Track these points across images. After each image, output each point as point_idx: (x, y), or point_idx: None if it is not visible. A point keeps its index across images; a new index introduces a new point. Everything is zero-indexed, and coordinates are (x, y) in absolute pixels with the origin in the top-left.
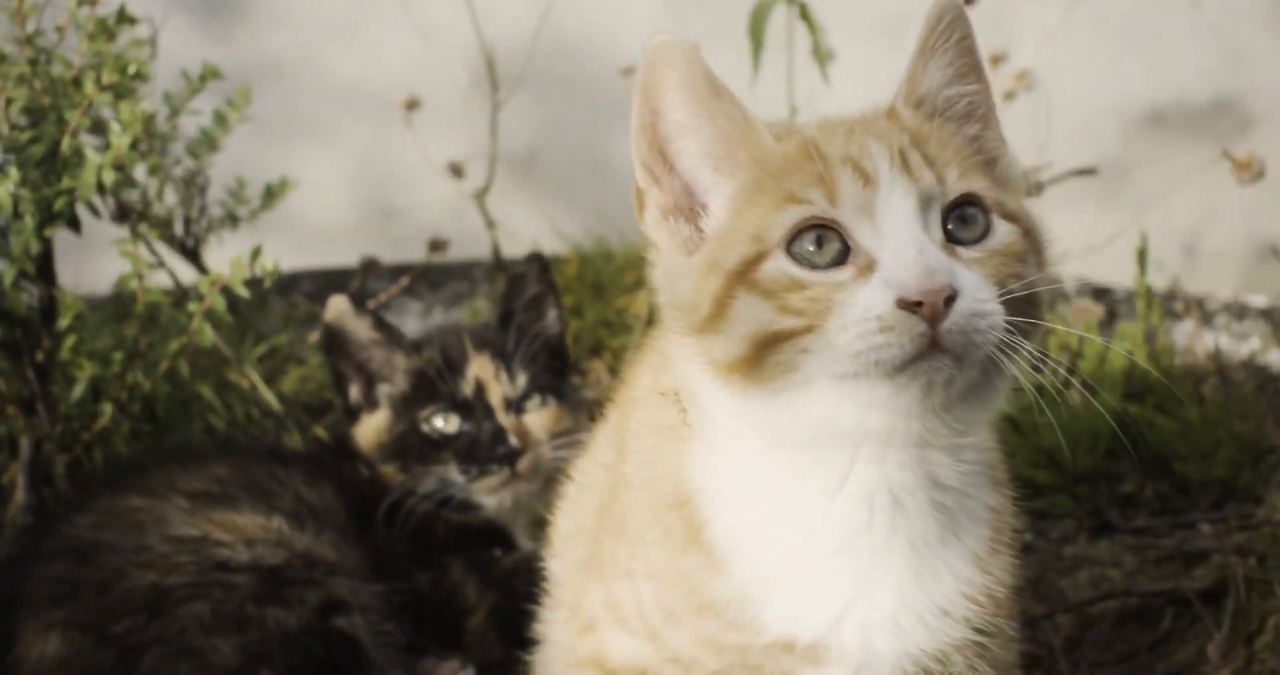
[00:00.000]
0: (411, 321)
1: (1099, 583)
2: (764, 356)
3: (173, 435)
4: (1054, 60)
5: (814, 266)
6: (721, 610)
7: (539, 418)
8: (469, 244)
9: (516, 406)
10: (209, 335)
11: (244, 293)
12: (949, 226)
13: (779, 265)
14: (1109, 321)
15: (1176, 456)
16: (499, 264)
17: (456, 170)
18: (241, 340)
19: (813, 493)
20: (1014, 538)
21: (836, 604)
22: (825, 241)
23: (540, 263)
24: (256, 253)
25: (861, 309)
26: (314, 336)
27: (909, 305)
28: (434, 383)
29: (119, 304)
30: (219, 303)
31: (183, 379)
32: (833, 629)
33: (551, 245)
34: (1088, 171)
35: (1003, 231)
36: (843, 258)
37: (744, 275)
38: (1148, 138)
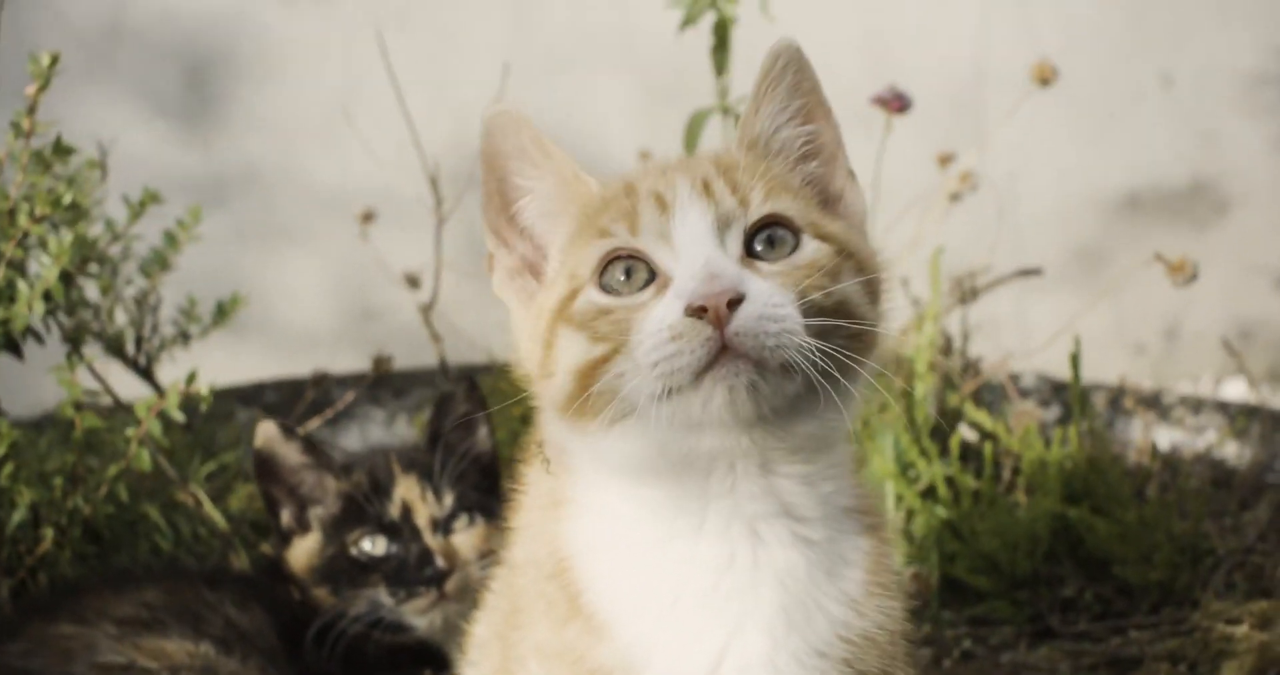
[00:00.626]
0: (375, 430)
1: None
2: (587, 388)
3: (118, 557)
4: (1027, 147)
5: (620, 295)
6: (609, 673)
7: (467, 538)
8: (449, 344)
9: (444, 527)
10: (146, 460)
11: (179, 417)
12: (757, 247)
13: (589, 297)
14: (1066, 417)
15: (1115, 559)
16: (446, 377)
17: (412, 281)
18: (191, 457)
19: (674, 536)
20: (894, 582)
21: (713, 649)
22: (633, 272)
23: (469, 382)
24: (191, 378)
25: (655, 321)
26: None
27: (695, 312)
28: (361, 506)
29: (61, 424)
30: (155, 427)
31: (127, 500)
32: None
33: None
34: (1033, 272)
35: (811, 248)
36: (649, 284)
37: (562, 312)
38: (1124, 222)
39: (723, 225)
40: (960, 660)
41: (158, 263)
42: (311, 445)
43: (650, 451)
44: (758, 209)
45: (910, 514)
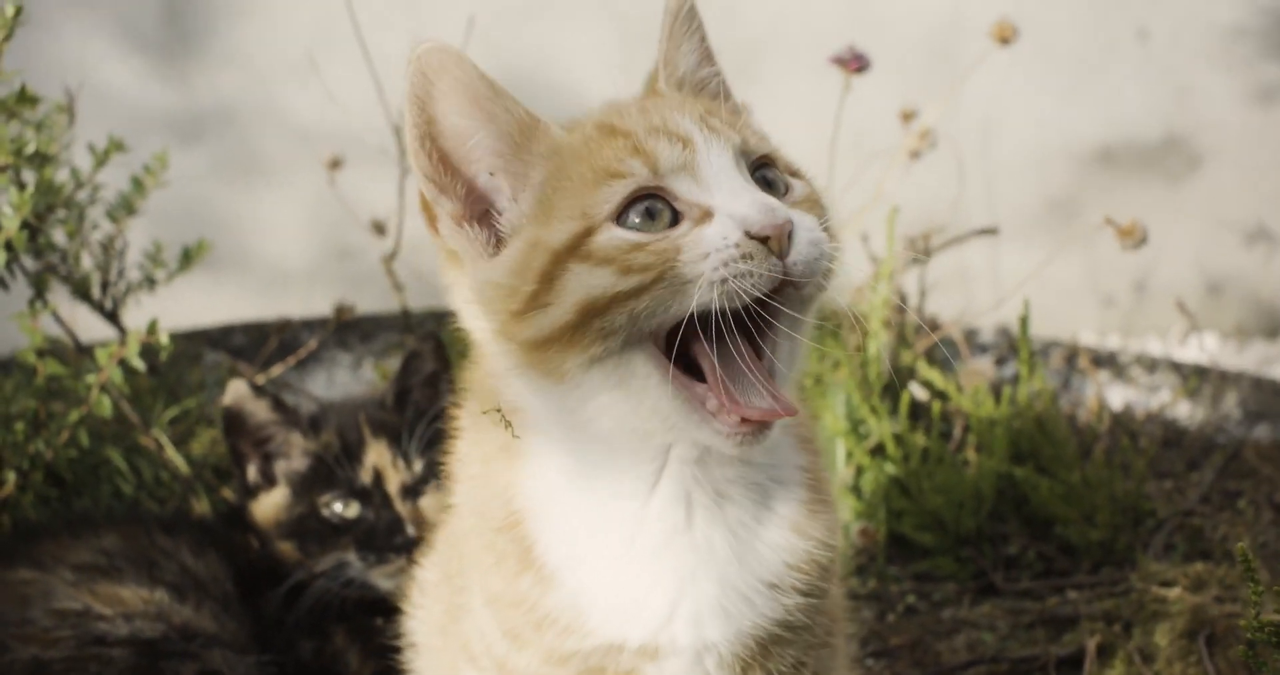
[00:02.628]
0: (342, 374)
1: (975, 646)
2: (588, 323)
3: (80, 500)
4: (1001, 99)
5: (648, 229)
6: (556, 619)
7: (436, 502)
8: (417, 290)
9: (413, 493)
10: (106, 406)
11: (139, 365)
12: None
13: (613, 234)
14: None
15: (1058, 519)
16: (408, 326)
17: (379, 228)
18: (155, 401)
19: (629, 495)
20: (829, 494)
21: (663, 603)
22: (656, 213)
23: (435, 341)
24: (153, 326)
25: (719, 238)
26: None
27: (757, 238)
28: (332, 468)
29: (25, 369)
30: (116, 374)
31: (89, 444)
32: (662, 628)
33: None
34: (989, 231)
35: (799, 186)
36: (674, 222)
37: (574, 249)
38: (1098, 175)
39: (737, 160)
40: (903, 615)
41: (124, 208)
42: (280, 403)
43: (622, 402)
44: (754, 145)
45: (860, 470)
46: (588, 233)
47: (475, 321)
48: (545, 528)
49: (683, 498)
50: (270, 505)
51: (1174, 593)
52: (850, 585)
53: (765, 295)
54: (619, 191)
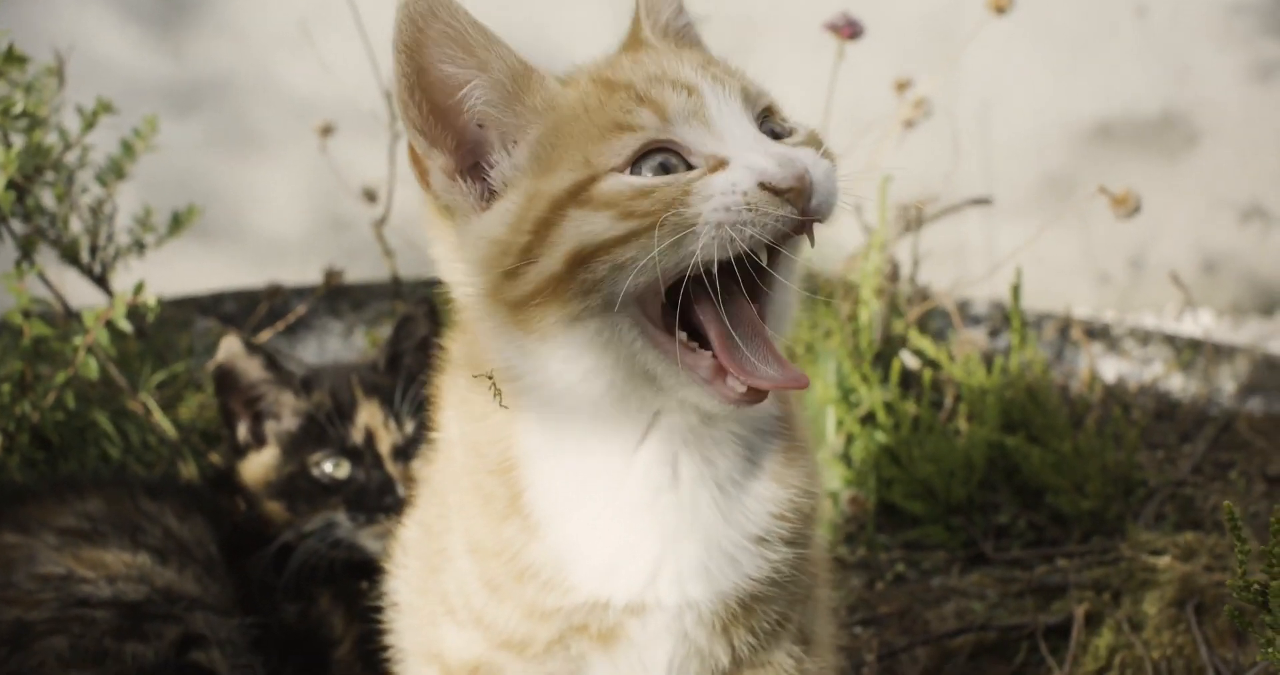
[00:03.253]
0: (333, 341)
1: (964, 614)
2: (574, 273)
3: (67, 463)
4: (1000, 74)
5: (656, 172)
6: (538, 572)
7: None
8: (409, 258)
9: (404, 454)
10: (93, 368)
11: (126, 327)
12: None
13: (621, 180)
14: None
15: (1049, 488)
16: (398, 293)
17: (370, 195)
18: (143, 365)
19: (617, 459)
20: (806, 439)
21: (646, 561)
22: (671, 168)
23: (428, 305)
24: (139, 288)
25: (728, 184)
26: (212, 364)
27: (776, 191)
28: (324, 427)
29: (11, 331)
30: (103, 336)
31: (75, 407)
32: (646, 586)
33: None
34: (982, 201)
35: (800, 129)
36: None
37: (575, 195)
38: (1095, 151)
39: (745, 107)
40: (892, 583)
41: (113, 172)
42: (273, 361)
43: (609, 367)
44: (756, 94)
45: (850, 439)
46: (591, 180)
47: (462, 279)
48: (536, 477)
49: (669, 457)
50: (260, 465)
51: (1163, 562)
52: (840, 553)
53: (768, 243)
54: (629, 144)
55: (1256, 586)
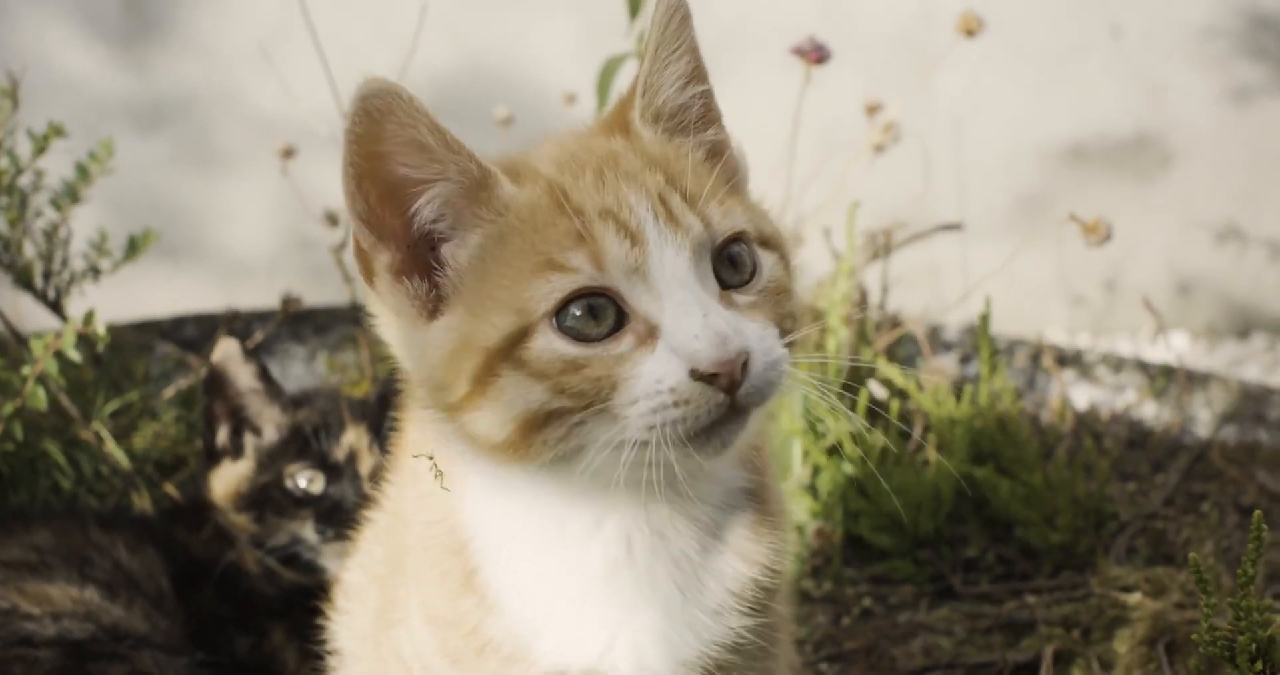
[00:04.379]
0: (297, 366)
1: (931, 651)
2: (532, 435)
3: (17, 494)
4: (972, 95)
5: (587, 339)
6: (499, 646)
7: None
8: None
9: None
10: (41, 399)
11: (75, 356)
12: (723, 275)
13: (548, 342)
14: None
15: (1019, 521)
16: (357, 319)
17: (332, 219)
18: (97, 393)
19: (573, 535)
20: (779, 512)
21: (605, 632)
22: (599, 311)
23: None
24: (89, 317)
25: (652, 381)
26: (168, 392)
27: (704, 377)
28: (307, 440)
29: None
30: (51, 365)
31: (23, 437)
32: (604, 655)
33: None
34: (953, 226)
35: (768, 265)
36: (618, 324)
37: (508, 352)
38: (1068, 172)
39: (696, 257)
40: (859, 618)
41: (68, 195)
42: (266, 373)
43: (580, 485)
44: (719, 227)
45: (816, 470)
46: (523, 333)
47: (406, 373)
48: (491, 555)
49: (624, 536)
50: (233, 475)
51: (1134, 598)
52: (805, 587)
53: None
54: (559, 288)
55: (1224, 640)
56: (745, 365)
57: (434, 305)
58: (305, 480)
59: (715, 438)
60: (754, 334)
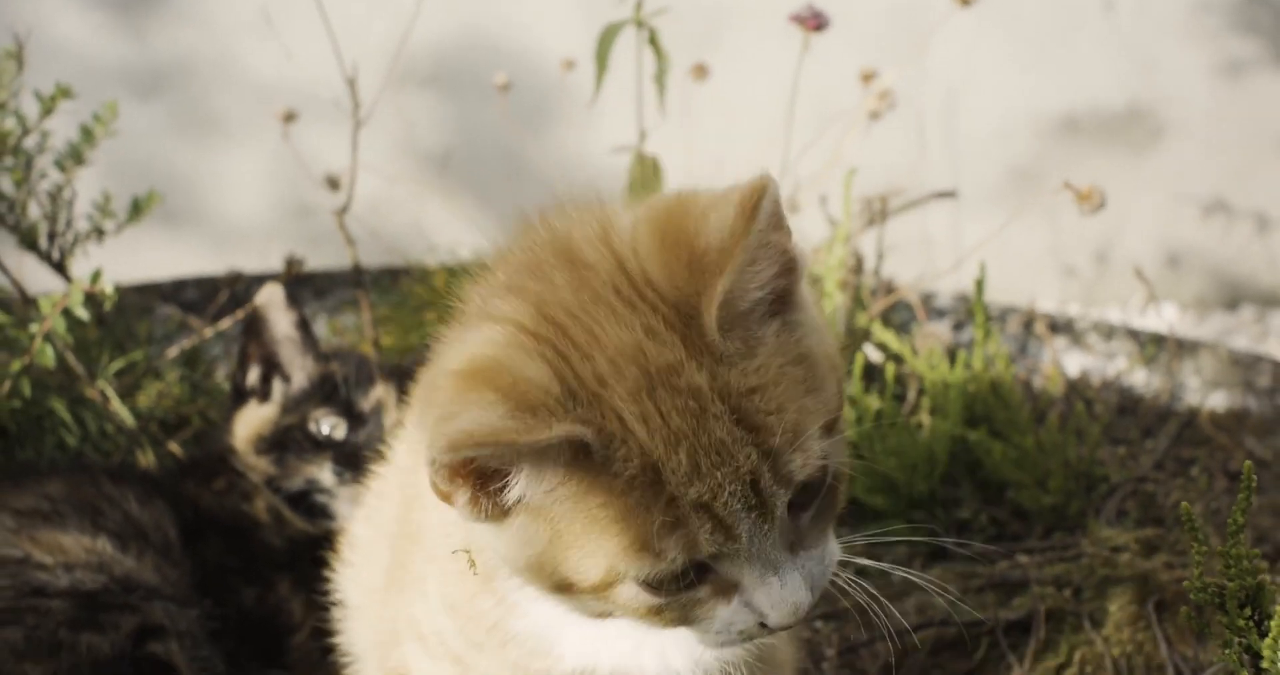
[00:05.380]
0: None
1: (924, 610)
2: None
3: (24, 451)
4: (967, 66)
5: (668, 592)
6: (523, 642)
7: None
8: (371, 247)
9: None
10: (50, 356)
11: (83, 314)
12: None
13: (635, 594)
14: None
15: (1011, 483)
16: (359, 282)
17: (333, 183)
18: (101, 353)
19: None
20: None
21: (631, 634)
22: (682, 574)
23: None
24: (96, 276)
25: (725, 623)
26: (172, 351)
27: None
28: (336, 388)
29: None
30: (59, 324)
31: (31, 395)
32: (630, 655)
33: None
34: (947, 194)
35: (830, 483)
36: (698, 577)
37: (596, 590)
38: (1061, 144)
39: (782, 532)
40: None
41: (73, 157)
42: (304, 323)
43: None
44: (800, 476)
45: None
46: (609, 584)
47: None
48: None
49: None
50: (256, 418)
51: (1124, 558)
52: None
53: None
54: (653, 571)
55: (1214, 588)
56: None
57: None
58: (329, 426)
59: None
60: (818, 573)
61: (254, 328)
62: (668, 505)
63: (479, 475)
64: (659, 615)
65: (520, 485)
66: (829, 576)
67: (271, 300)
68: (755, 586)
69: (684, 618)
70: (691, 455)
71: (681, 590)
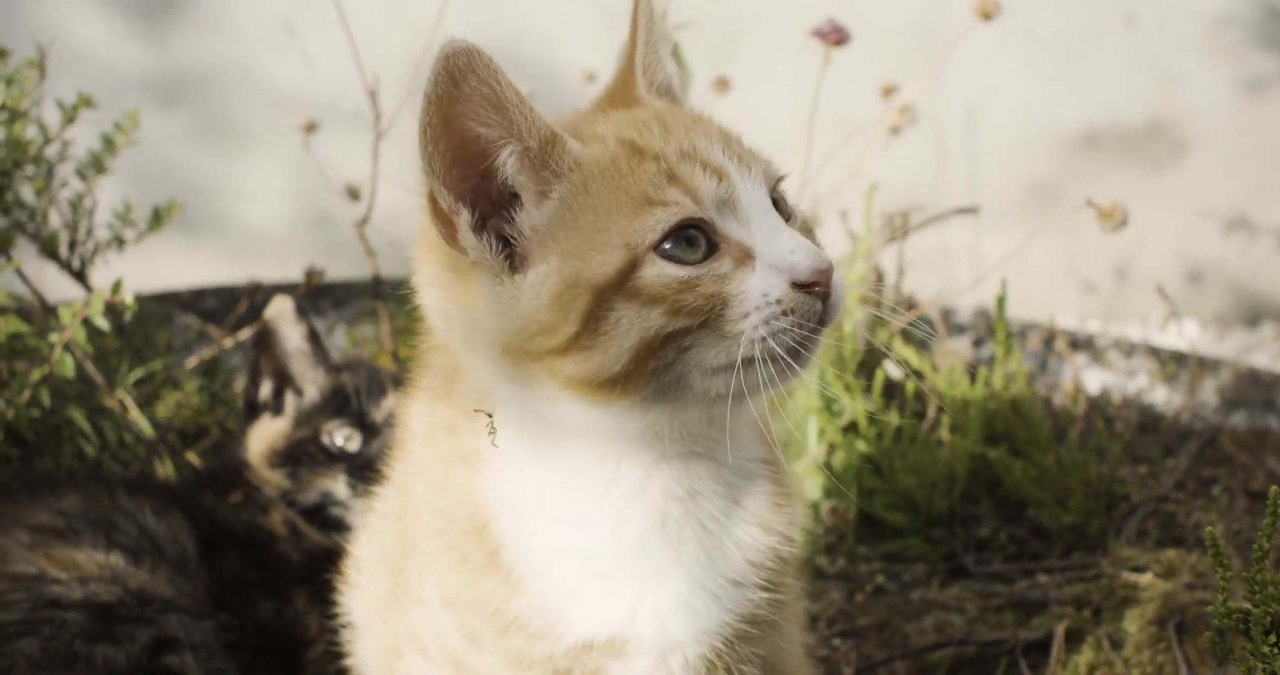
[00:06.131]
0: None
1: (943, 628)
2: (645, 364)
3: (42, 460)
4: (988, 81)
5: (689, 263)
6: (524, 624)
7: None
8: (391, 258)
9: None
10: (69, 366)
11: (103, 324)
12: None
13: (660, 269)
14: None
15: (1031, 502)
16: (378, 293)
17: (353, 193)
18: (121, 362)
19: (613, 497)
20: (791, 487)
21: (630, 598)
22: (693, 240)
23: None
24: (117, 286)
25: (759, 295)
26: (191, 362)
27: (804, 286)
28: (348, 399)
29: None
30: (79, 333)
31: (50, 404)
32: (627, 622)
33: None
34: (969, 210)
35: (795, 214)
36: (710, 250)
37: (619, 286)
38: (1082, 160)
39: (768, 192)
40: (872, 595)
41: (94, 166)
42: (315, 335)
43: (660, 423)
44: (771, 169)
45: (831, 448)
46: (632, 265)
47: (471, 335)
48: (515, 532)
49: (661, 494)
50: (269, 432)
51: (1145, 579)
52: (819, 564)
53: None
54: (663, 220)
55: (1239, 614)
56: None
57: (507, 261)
58: (342, 438)
59: (807, 352)
60: (827, 255)
61: (265, 341)
62: (656, 160)
63: (467, 159)
64: (695, 292)
65: (508, 164)
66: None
67: (281, 313)
68: (768, 238)
69: (717, 300)
70: (661, 126)
71: (703, 261)
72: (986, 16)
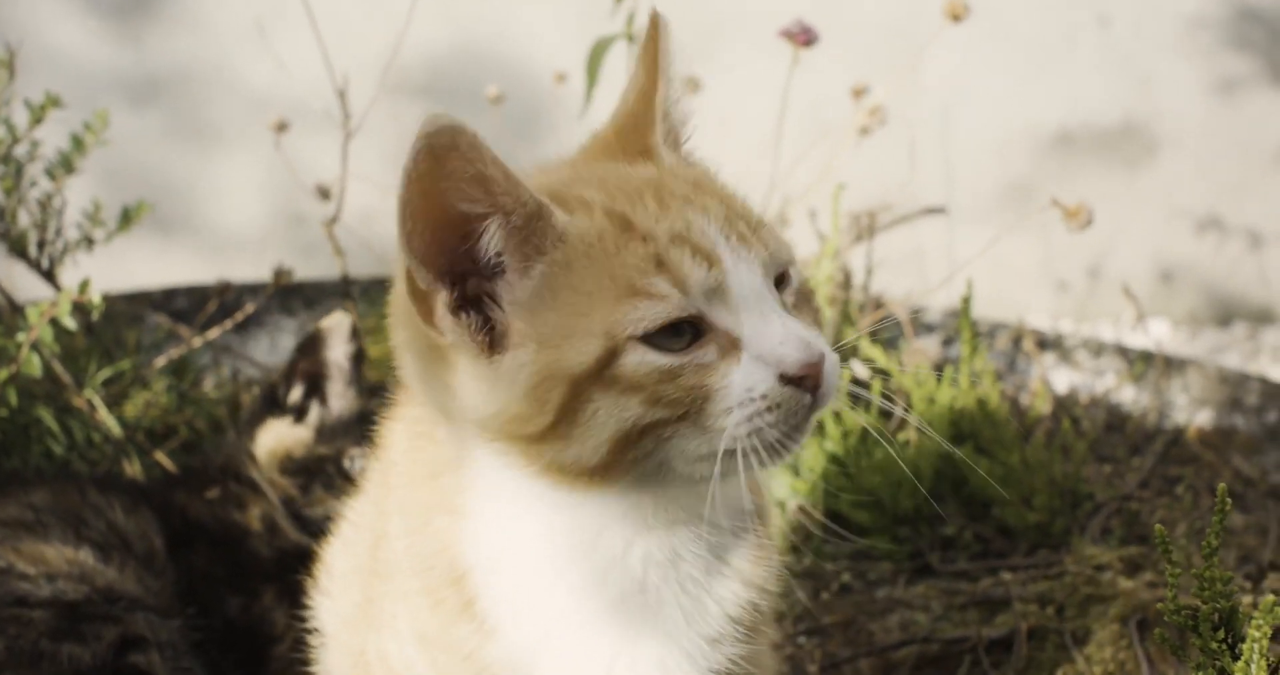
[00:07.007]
0: (286, 339)
1: (908, 626)
2: (624, 454)
3: (10, 460)
4: (960, 81)
5: (672, 351)
6: (496, 673)
7: None
8: (363, 257)
9: None
10: (36, 366)
11: (71, 324)
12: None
13: (641, 356)
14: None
15: (996, 500)
16: (348, 293)
17: (324, 193)
18: (90, 362)
19: (591, 566)
20: (771, 533)
21: (604, 657)
22: (679, 329)
23: None
24: (84, 286)
25: (743, 390)
26: (160, 361)
27: (793, 380)
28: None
29: None
30: (46, 333)
31: (20, 404)
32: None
33: None
34: (937, 210)
35: (794, 274)
36: (695, 337)
37: (597, 375)
38: (1055, 159)
39: (766, 275)
40: (838, 593)
41: (63, 166)
42: (360, 358)
43: (644, 503)
44: (778, 254)
45: None
46: (612, 354)
47: (448, 407)
48: (491, 585)
49: (641, 562)
50: (288, 437)
51: (1108, 577)
52: (785, 562)
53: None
54: (647, 317)
55: (1188, 610)
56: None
57: (486, 338)
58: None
59: (793, 441)
60: (819, 338)
61: (311, 347)
62: (645, 241)
63: (448, 236)
64: (675, 383)
65: (492, 242)
66: (836, 359)
67: (337, 327)
68: (756, 328)
69: (701, 390)
70: (656, 198)
71: (687, 348)
72: (956, 18)
